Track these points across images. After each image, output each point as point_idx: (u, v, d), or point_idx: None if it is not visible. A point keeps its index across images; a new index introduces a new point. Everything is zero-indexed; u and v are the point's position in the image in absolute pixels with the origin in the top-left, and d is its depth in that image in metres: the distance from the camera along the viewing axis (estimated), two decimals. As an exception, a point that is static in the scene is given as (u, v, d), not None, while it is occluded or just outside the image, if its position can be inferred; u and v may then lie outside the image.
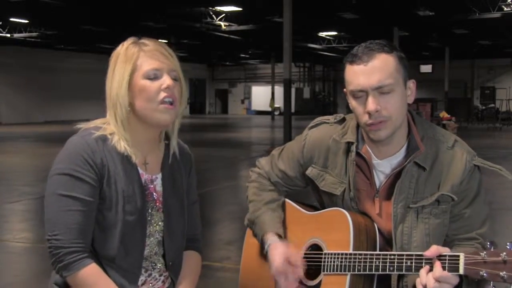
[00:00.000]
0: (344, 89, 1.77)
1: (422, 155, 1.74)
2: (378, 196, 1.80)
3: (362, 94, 1.69)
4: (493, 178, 1.83)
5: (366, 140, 1.81)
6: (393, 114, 1.70)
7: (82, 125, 1.74)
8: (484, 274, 1.45)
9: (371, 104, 1.67)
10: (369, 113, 1.68)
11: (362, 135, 1.83)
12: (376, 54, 1.69)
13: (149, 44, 1.71)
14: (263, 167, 2.08)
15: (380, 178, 1.81)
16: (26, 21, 23.40)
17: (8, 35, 25.61)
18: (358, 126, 1.83)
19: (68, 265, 1.60)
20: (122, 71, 1.67)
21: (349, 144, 1.84)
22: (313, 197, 2.00)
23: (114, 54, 1.72)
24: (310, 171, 1.93)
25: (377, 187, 1.81)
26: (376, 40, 1.75)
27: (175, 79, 1.70)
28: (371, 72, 1.67)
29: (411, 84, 1.76)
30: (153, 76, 1.67)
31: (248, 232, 2.06)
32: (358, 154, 1.82)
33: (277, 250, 1.83)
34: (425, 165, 1.74)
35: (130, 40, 1.74)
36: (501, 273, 1.43)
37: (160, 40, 1.78)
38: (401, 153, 1.77)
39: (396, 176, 1.76)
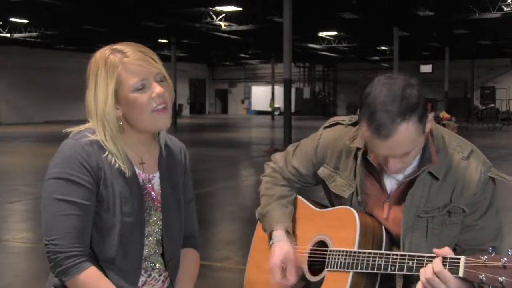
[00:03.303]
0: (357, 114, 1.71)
1: (436, 165, 1.72)
2: (388, 201, 1.79)
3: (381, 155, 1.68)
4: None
5: None
6: (410, 163, 1.71)
7: (72, 129, 1.71)
8: (483, 278, 1.45)
9: (391, 168, 1.68)
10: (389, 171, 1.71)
11: None
12: (397, 127, 1.58)
13: (128, 52, 1.64)
14: (277, 162, 2.08)
15: (391, 183, 1.79)
16: (26, 21, 23.40)
17: (8, 35, 25.61)
18: None
19: (67, 269, 1.59)
20: (105, 87, 1.62)
21: (358, 149, 1.83)
22: (323, 194, 2.01)
23: (93, 64, 1.66)
24: (322, 171, 1.93)
25: (388, 192, 1.79)
26: (394, 85, 1.61)
27: (161, 81, 1.67)
28: (393, 147, 1.61)
29: (430, 117, 1.67)
30: (141, 87, 1.63)
31: (258, 226, 2.07)
32: (367, 159, 1.80)
33: (280, 249, 1.85)
34: (438, 175, 1.72)
35: (106, 49, 1.67)
36: (500, 278, 1.43)
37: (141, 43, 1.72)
38: (414, 161, 1.74)
39: (409, 183, 1.74)
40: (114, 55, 1.64)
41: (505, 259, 1.44)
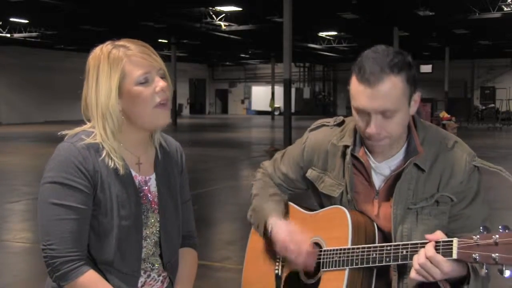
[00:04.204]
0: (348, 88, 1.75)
1: (421, 157, 1.74)
2: (378, 198, 1.81)
3: (364, 113, 1.68)
4: (493, 177, 1.82)
5: (364, 143, 1.81)
6: (393, 134, 1.71)
7: (67, 132, 1.69)
8: (477, 257, 1.47)
9: (372, 128, 1.68)
10: (369, 134, 1.70)
11: (360, 138, 1.82)
12: (384, 77, 1.62)
13: (131, 46, 1.64)
14: (266, 169, 2.11)
15: (379, 180, 1.81)
16: (26, 21, 23.40)
17: (8, 35, 25.61)
18: (355, 129, 1.83)
19: (65, 274, 1.58)
20: (109, 80, 1.61)
21: (345, 147, 1.84)
22: (313, 199, 2.01)
23: (93, 60, 1.65)
24: (310, 173, 1.94)
25: (377, 188, 1.81)
26: (388, 49, 1.67)
27: (162, 77, 1.67)
28: (376, 97, 1.63)
29: (417, 96, 1.72)
30: (144, 81, 1.63)
31: (252, 233, 2.07)
32: (355, 157, 1.82)
33: (281, 228, 1.84)
34: (424, 167, 1.74)
35: (108, 45, 1.66)
36: (493, 255, 1.45)
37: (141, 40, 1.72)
38: (400, 154, 1.77)
39: (395, 177, 1.76)
40: (117, 49, 1.64)
41: (496, 235, 1.46)
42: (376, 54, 1.66)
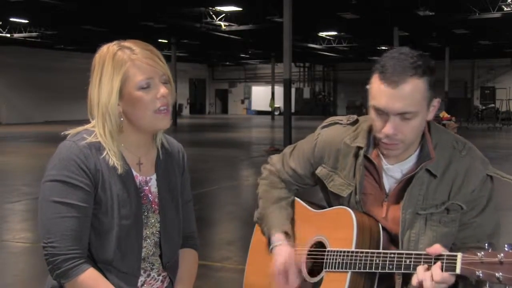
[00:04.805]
0: (367, 86, 1.72)
1: (434, 163, 1.73)
2: (387, 200, 1.79)
3: (383, 113, 1.66)
4: (496, 178, 1.81)
5: (377, 144, 1.80)
6: (408, 138, 1.69)
7: (71, 131, 1.70)
8: (480, 275, 1.45)
9: (389, 128, 1.65)
10: (386, 134, 1.68)
11: (374, 139, 1.81)
12: (407, 78, 1.60)
13: (136, 50, 1.65)
14: (274, 164, 2.08)
15: (390, 182, 1.80)
16: (26, 21, 23.40)
17: (8, 35, 25.61)
18: (369, 130, 1.81)
19: (66, 272, 1.59)
20: (111, 81, 1.63)
21: (359, 148, 1.83)
22: (320, 195, 2.00)
23: (98, 59, 1.66)
24: (320, 171, 1.93)
25: (387, 191, 1.80)
26: (412, 52, 1.65)
27: (165, 83, 1.67)
28: (397, 98, 1.61)
29: (436, 102, 1.70)
30: (146, 86, 1.63)
31: (256, 228, 2.07)
32: (367, 158, 1.81)
33: (280, 254, 1.84)
34: (436, 172, 1.72)
35: (114, 45, 1.67)
36: (497, 274, 1.43)
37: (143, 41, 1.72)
38: (413, 158, 1.76)
39: (407, 181, 1.75)
40: (123, 51, 1.65)
41: (502, 254, 1.44)
42: (400, 55, 1.63)
